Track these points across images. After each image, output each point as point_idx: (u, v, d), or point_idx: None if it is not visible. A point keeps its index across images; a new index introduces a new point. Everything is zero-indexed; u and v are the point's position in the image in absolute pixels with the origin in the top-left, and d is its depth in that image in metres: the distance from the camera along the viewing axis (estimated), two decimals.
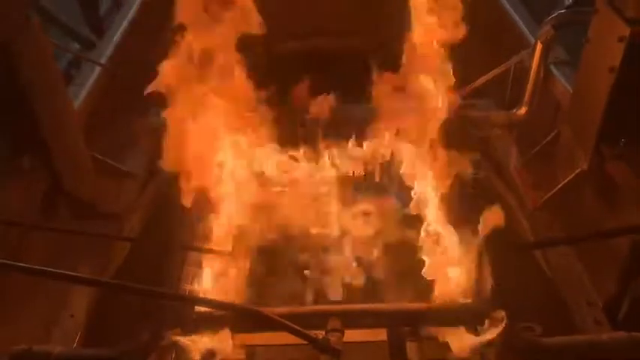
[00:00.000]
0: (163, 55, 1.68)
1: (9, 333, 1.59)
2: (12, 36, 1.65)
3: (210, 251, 1.74)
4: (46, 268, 1.24)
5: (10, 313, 1.63)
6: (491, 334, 1.50)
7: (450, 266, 1.67)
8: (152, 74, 1.67)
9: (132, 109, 2.33)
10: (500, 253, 1.62)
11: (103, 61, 2.38)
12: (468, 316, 1.56)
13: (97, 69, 2.32)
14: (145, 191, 2.20)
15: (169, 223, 1.94)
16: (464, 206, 1.86)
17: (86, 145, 2.04)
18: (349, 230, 1.92)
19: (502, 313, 1.49)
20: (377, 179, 2.16)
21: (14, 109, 1.74)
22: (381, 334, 1.67)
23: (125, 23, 2.70)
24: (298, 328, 1.42)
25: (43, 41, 1.80)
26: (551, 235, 1.94)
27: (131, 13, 2.83)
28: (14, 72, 1.66)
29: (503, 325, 1.47)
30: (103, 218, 1.99)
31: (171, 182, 1.77)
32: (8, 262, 1.25)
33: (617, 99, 1.81)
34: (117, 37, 2.60)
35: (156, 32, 2.27)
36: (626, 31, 1.69)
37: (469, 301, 1.59)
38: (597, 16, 1.85)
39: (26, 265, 1.27)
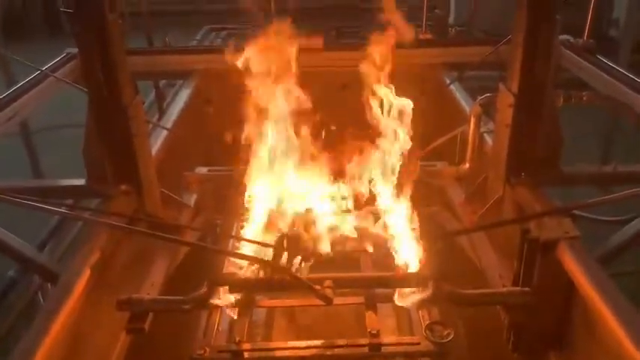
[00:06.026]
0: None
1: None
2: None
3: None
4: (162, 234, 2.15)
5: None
6: (429, 291, 2.30)
7: (407, 249, 2.46)
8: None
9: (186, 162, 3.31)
10: (437, 240, 2.45)
11: (168, 126, 3.40)
12: (416, 281, 2.35)
13: (164, 132, 3.34)
14: (195, 217, 3.10)
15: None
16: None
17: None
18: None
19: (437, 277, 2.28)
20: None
21: (122, 153, 2.67)
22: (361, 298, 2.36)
23: (184, 103, 3.77)
24: (308, 282, 2.24)
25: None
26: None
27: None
28: (129, 129, 2.60)
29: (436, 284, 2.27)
30: (169, 229, 2.86)
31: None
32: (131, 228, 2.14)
33: (514, 145, 2.73)
34: (179, 108, 3.65)
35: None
36: (511, 100, 2.64)
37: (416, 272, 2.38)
38: (500, 94, 2.82)
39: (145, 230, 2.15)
